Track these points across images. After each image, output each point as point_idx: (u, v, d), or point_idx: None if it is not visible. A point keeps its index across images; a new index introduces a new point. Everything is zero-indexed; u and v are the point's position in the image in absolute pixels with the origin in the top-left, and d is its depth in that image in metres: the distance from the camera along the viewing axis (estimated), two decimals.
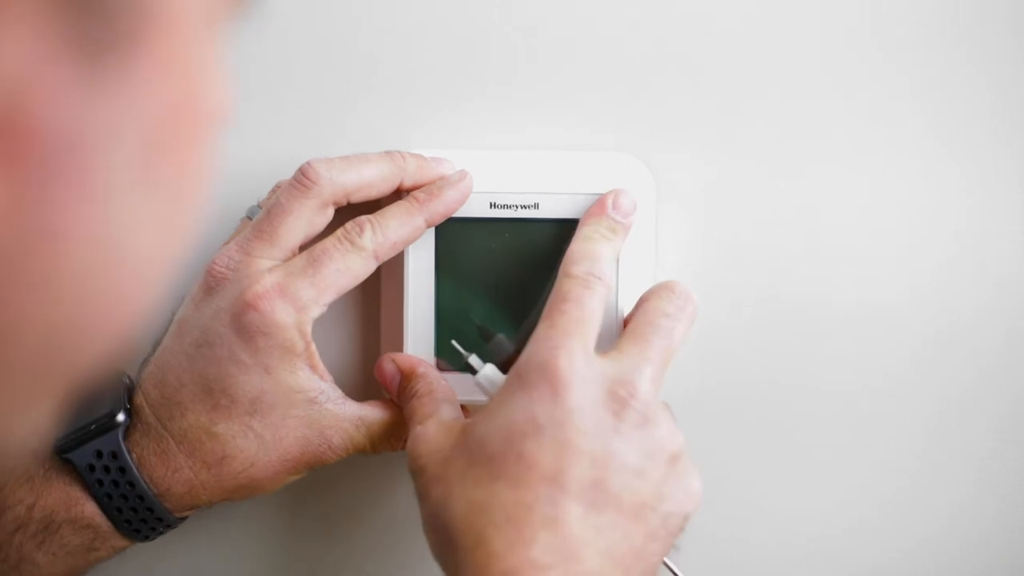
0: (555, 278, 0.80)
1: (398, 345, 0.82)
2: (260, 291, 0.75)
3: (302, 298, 0.76)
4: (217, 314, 0.76)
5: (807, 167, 0.84)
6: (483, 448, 0.70)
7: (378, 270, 0.83)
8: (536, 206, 0.80)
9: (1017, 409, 0.85)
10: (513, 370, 0.73)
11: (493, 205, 0.80)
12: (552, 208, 0.80)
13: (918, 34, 0.83)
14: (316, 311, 0.77)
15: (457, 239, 0.81)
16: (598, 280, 0.75)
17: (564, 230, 0.80)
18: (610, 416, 0.70)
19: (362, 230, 0.77)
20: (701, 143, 0.84)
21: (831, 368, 0.85)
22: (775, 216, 0.84)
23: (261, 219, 0.78)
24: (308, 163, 0.78)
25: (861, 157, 0.84)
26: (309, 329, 0.77)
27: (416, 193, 0.79)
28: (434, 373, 0.79)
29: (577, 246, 0.77)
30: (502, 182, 0.81)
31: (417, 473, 0.73)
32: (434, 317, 0.81)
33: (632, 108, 0.84)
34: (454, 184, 0.80)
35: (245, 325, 0.75)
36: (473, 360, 0.79)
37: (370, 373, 0.85)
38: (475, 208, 0.80)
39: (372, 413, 0.80)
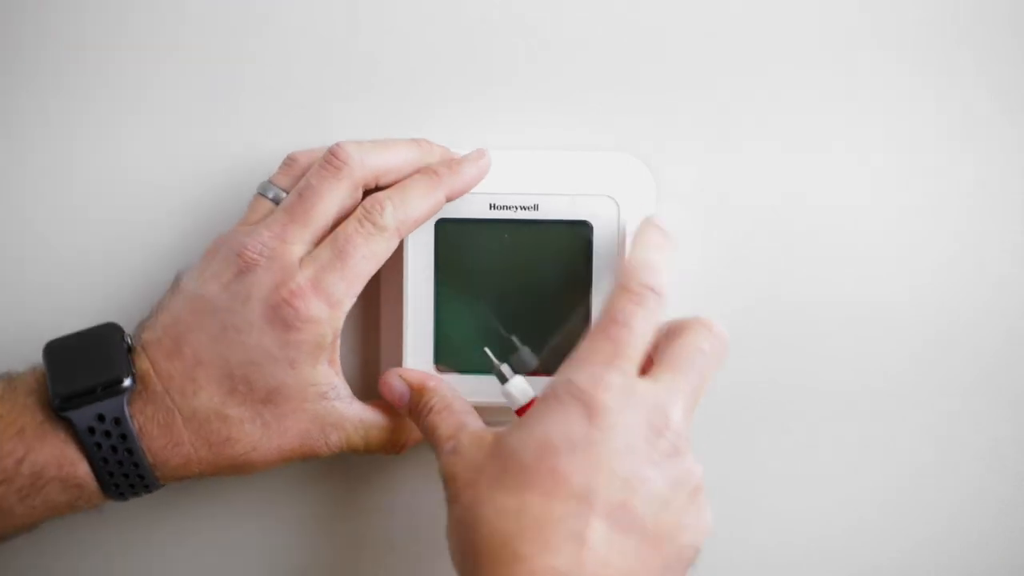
0: (555, 281, 0.80)
1: (397, 344, 0.82)
2: (295, 288, 0.76)
3: (335, 293, 0.76)
4: (247, 301, 0.76)
5: (807, 167, 0.84)
6: (516, 458, 0.71)
7: (378, 271, 0.83)
8: (536, 207, 0.80)
9: (1017, 409, 0.85)
10: (551, 388, 0.73)
11: (493, 206, 0.80)
12: (552, 209, 0.80)
13: (918, 34, 0.83)
14: (348, 304, 0.77)
15: (456, 240, 0.80)
16: (655, 295, 0.74)
17: (564, 231, 0.80)
18: (644, 443, 0.71)
19: (383, 208, 0.77)
20: (701, 143, 0.84)
21: (831, 368, 0.85)
22: (775, 216, 0.84)
23: (293, 202, 0.78)
24: (339, 144, 0.79)
25: (861, 157, 0.84)
26: (340, 324, 0.77)
27: (435, 167, 0.79)
28: (445, 386, 0.79)
29: (634, 255, 0.75)
30: (502, 182, 0.81)
31: (449, 480, 0.74)
32: (433, 317, 0.81)
33: (632, 108, 0.84)
34: (473, 161, 0.80)
35: (280, 319, 0.76)
36: (505, 369, 0.79)
37: (369, 373, 0.85)
38: (475, 209, 0.80)
39: (373, 417, 0.80)
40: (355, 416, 0.79)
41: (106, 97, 0.84)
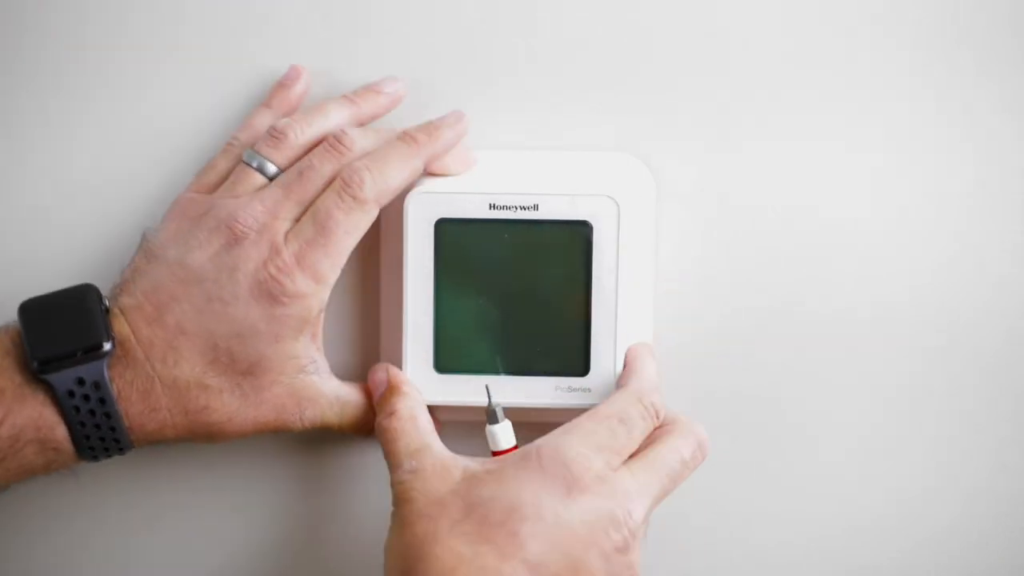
0: (555, 281, 0.80)
1: (397, 343, 0.82)
2: (281, 265, 0.76)
3: (320, 270, 0.77)
4: (234, 274, 0.76)
5: (807, 168, 0.84)
6: (483, 510, 0.73)
7: (378, 269, 0.83)
8: (536, 207, 0.80)
9: (1018, 409, 0.85)
10: (536, 450, 0.74)
11: (493, 206, 0.80)
12: (552, 209, 0.80)
13: (918, 34, 0.83)
14: (333, 278, 0.78)
15: (456, 240, 0.80)
16: (656, 418, 0.77)
17: (564, 231, 0.80)
18: (602, 532, 0.73)
19: (362, 181, 0.77)
20: (701, 143, 0.84)
21: (831, 368, 0.85)
22: (775, 216, 0.84)
23: (292, 180, 0.78)
24: (344, 131, 0.79)
25: (861, 157, 0.84)
26: (326, 297, 0.78)
27: (413, 132, 0.79)
28: (417, 397, 0.80)
29: (650, 375, 0.79)
30: (502, 182, 0.80)
31: (404, 501, 0.74)
32: (433, 317, 0.81)
33: (632, 108, 0.84)
34: (451, 125, 0.80)
35: (267, 293, 0.76)
36: (498, 411, 0.79)
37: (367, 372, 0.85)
38: (474, 209, 0.80)
39: (349, 395, 0.81)
40: (331, 392, 0.80)
41: (106, 97, 0.84)
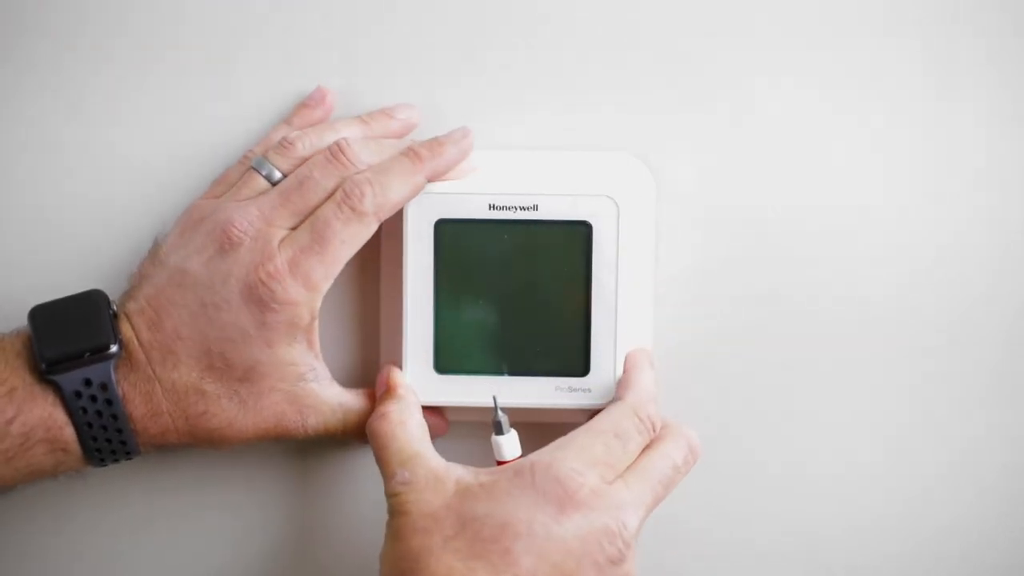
0: (555, 281, 0.80)
1: (397, 344, 0.82)
2: (272, 270, 0.76)
3: (313, 277, 0.77)
4: (227, 280, 0.77)
5: (807, 167, 0.84)
6: (476, 526, 0.73)
7: (377, 271, 0.83)
8: (535, 207, 0.80)
9: (1018, 409, 0.85)
10: (529, 467, 0.74)
11: (492, 206, 0.80)
12: (552, 209, 0.80)
13: (918, 34, 0.83)
14: (326, 286, 0.77)
15: (456, 240, 0.80)
16: (652, 430, 0.77)
17: (564, 231, 0.80)
18: (596, 545, 0.73)
19: (363, 193, 0.77)
20: (701, 143, 0.84)
21: (831, 367, 0.85)
22: (775, 216, 0.84)
23: (291, 189, 0.78)
24: (347, 142, 0.79)
25: (861, 157, 0.84)
26: (318, 306, 0.78)
27: (417, 148, 0.79)
28: (413, 403, 0.80)
29: (647, 385, 0.79)
30: (501, 182, 0.80)
31: (398, 514, 0.75)
32: (433, 317, 0.81)
33: (632, 108, 0.84)
34: (456, 142, 0.80)
35: (256, 299, 0.76)
36: (503, 421, 0.79)
37: (369, 373, 0.85)
38: (474, 209, 0.80)
39: (353, 401, 0.81)
40: (333, 399, 0.80)
41: (105, 97, 0.84)
